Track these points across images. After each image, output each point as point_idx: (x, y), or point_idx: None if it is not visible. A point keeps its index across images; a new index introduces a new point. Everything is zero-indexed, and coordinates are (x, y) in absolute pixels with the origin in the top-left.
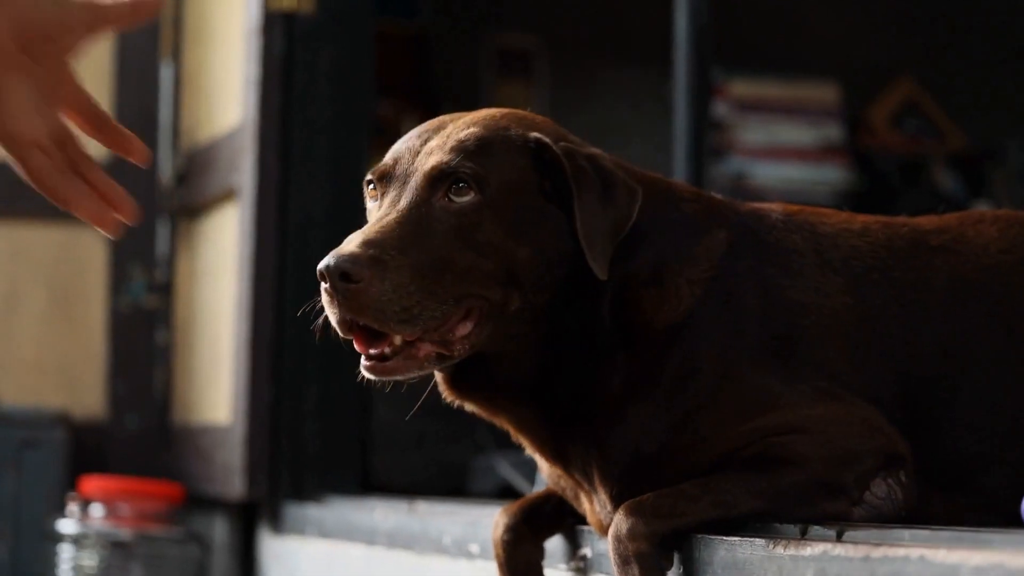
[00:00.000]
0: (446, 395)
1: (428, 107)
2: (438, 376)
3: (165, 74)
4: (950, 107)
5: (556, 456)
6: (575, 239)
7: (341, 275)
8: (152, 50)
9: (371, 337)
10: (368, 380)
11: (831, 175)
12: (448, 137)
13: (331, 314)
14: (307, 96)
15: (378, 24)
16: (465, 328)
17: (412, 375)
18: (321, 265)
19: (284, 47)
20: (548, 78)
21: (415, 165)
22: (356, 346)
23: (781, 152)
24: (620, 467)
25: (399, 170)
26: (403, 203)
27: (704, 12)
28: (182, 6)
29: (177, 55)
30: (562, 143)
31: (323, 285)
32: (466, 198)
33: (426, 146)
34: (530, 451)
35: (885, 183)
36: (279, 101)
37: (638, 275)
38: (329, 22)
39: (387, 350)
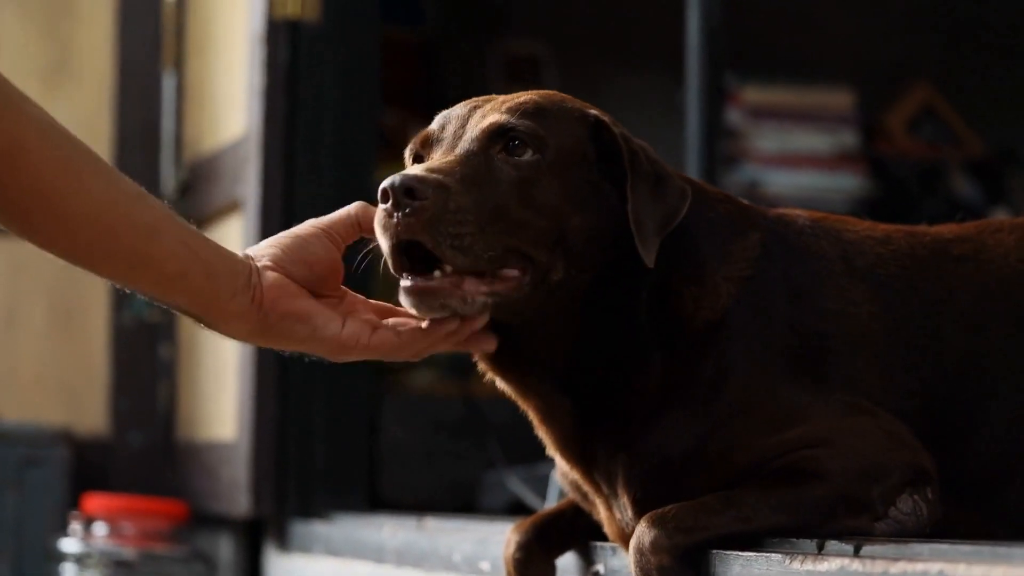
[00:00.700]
0: (481, 365)
1: (435, 116)
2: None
3: (167, 84)
4: (968, 112)
5: (579, 456)
6: (623, 223)
7: (406, 191)
8: (154, 60)
9: (418, 271)
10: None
11: (847, 183)
12: (503, 102)
13: (383, 240)
14: (312, 105)
15: (383, 31)
16: (512, 272)
17: (452, 306)
18: (386, 183)
19: (288, 56)
20: (557, 85)
21: (468, 126)
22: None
23: (795, 160)
24: (645, 471)
25: (447, 134)
26: (459, 151)
27: (716, 16)
28: (184, 15)
29: (179, 64)
30: (619, 128)
31: (381, 207)
32: (525, 156)
33: (477, 112)
34: (551, 449)
35: (902, 190)
36: (284, 111)
37: (679, 271)
38: (334, 30)
39: (419, 280)
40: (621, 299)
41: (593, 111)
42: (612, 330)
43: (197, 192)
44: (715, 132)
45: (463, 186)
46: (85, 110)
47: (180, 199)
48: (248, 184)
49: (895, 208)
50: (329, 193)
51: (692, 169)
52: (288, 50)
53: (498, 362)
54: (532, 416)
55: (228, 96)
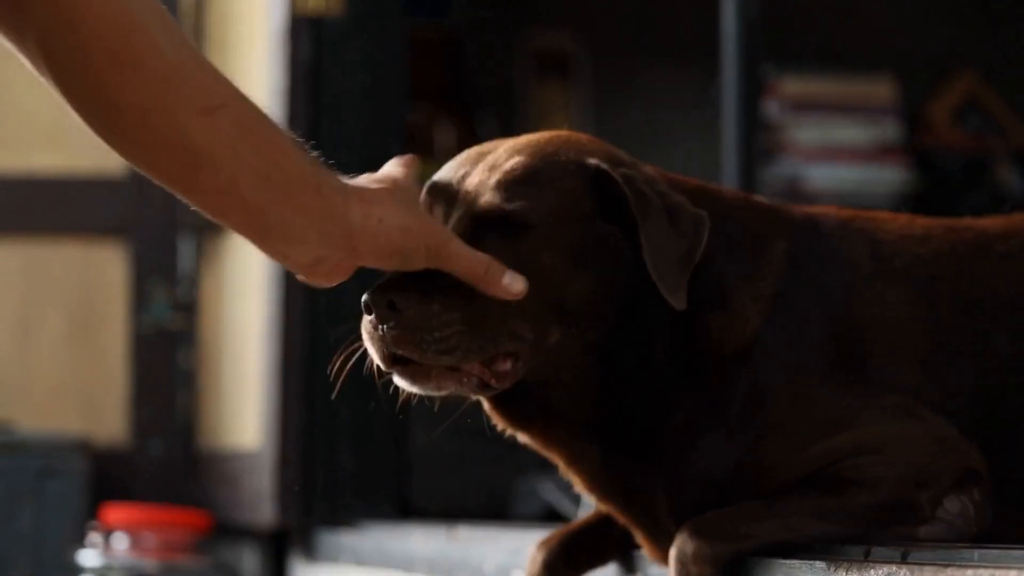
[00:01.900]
0: (497, 423)
1: (462, 113)
2: (486, 404)
3: None
4: (1014, 101)
5: (610, 494)
6: (636, 269)
7: (389, 304)
8: None
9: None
10: (403, 400)
11: (889, 176)
12: (493, 170)
13: (373, 351)
14: (336, 103)
15: (408, 26)
16: (505, 364)
17: (448, 390)
18: (366, 296)
19: (311, 53)
20: (588, 79)
21: (458, 200)
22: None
23: (836, 153)
24: (690, 499)
25: (443, 200)
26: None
27: (753, 6)
28: (203, 11)
29: None
30: (621, 169)
31: (366, 319)
32: (517, 237)
33: (468, 178)
34: (581, 489)
35: (946, 183)
36: (307, 109)
37: (698, 298)
38: (358, 25)
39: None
40: (642, 341)
41: (592, 160)
42: (636, 373)
43: None
44: (753, 126)
45: (448, 286)
46: None
47: None
48: None
49: (939, 201)
50: None
51: (729, 164)
52: (311, 47)
53: (517, 416)
54: (558, 463)
55: (249, 94)
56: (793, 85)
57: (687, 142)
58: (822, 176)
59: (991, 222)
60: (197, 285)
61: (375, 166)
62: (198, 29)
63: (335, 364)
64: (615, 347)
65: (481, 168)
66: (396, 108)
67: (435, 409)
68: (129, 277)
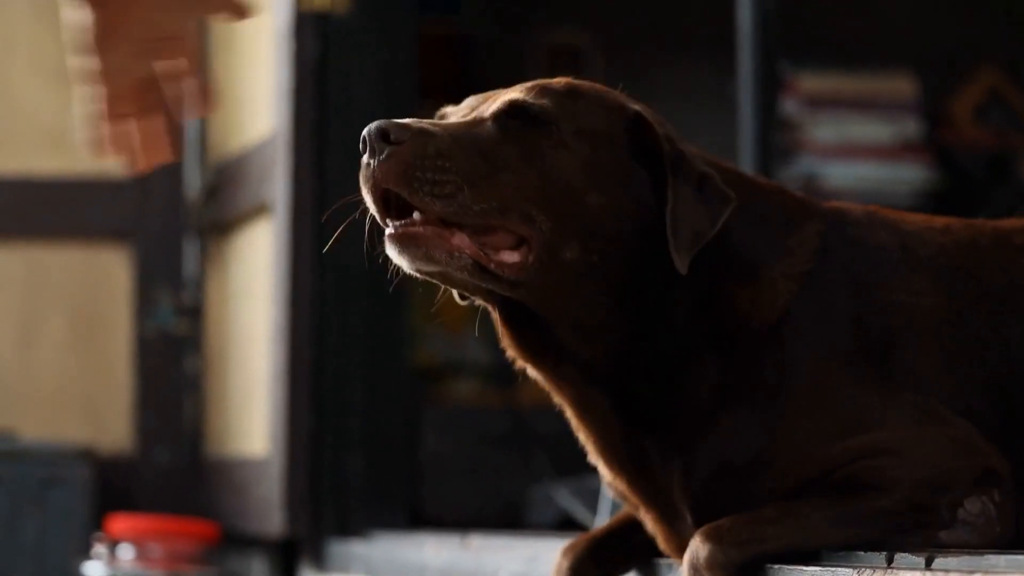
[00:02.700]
0: (507, 348)
1: None
2: (499, 325)
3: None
4: None
5: (622, 461)
6: (657, 220)
7: (382, 134)
8: None
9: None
10: (397, 280)
11: (910, 174)
12: (533, 83)
13: (366, 194)
14: (344, 103)
15: (418, 23)
16: (511, 257)
17: (439, 260)
18: (365, 130)
19: (318, 50)
20: (601, 76)
21: (487, 104)
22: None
23: (855, 151)
24: (703, 479)
25: (468, 107)
26: (468, 118)
27: (769, 1)
28: None
29: (202, 61)
30: (664, 128)
31: (364, 159)
32: (539, 129)
33: (503, 93)
34: (593, 454)
35: (969, 181)
36: (314, 109)
37: (728, 270)
38: (367, 22)
39: (416, 215)
40: (662, 295)
41: (635, 106)
42: (654, 327)
43: (223, 195)
44: (769, 123)
45: (452, 138)
46: None
47: (205, 203)
48: (277, 187)
49: (962, 200)
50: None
51: (746, 163)
52: (318, 44)
53: (529, 343)
54: (568, 411)
55: (254, 94)
56: (811, 82)
57: (702, 140)
58: (840, 175)
59: (1007, 221)
60: (203, 289)
61: None
62: (201, 27)
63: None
64: (636, 296)
65: (519, 85)
66: (406, 107)
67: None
68: (133, 281)
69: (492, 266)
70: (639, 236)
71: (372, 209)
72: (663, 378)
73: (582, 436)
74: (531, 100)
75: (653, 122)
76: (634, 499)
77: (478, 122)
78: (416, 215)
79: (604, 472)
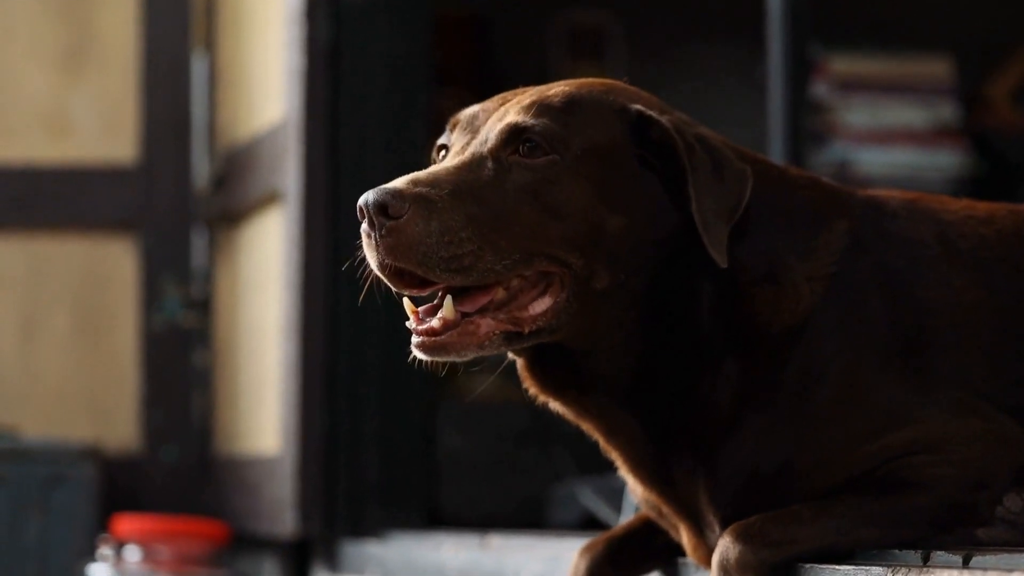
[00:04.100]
0: (529, 388)
1: (491, 96)
2: (520, 366)
3: (198, 67)
4: None
5: (653, 475)
6: (674, 222)
7: (380, 208)
8: (183, 40)
9: (418, 285)
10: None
11: (946, 160)
12: (529, 96)
13: (371, 258)
14: (357, 87)
15: (433, 5)
16: (542, 304)
17: (470, 354)
18: (361, 200)
19: (331, 34)
20: (624, 59)
21: (489, 123)
22: (408, 313)
23: (889, 136)
24: (733, 488)
25: (469, 128)
26: (467, 153)
27: None
28: None
29: (211, 45)
30: (669, 117)
31: (363, 226)
32: (541, 157)
33: (503, 107)
34: (623, 469)
35: (1006, 166)
36: (326, 94)
37: (748, 270)
38: (381, 4)
39: (436, 323)
40: (684, 304)
41: (636, 105)
42: (677, 338)
43: (232, 184)
44: (800, 107)
45: (454, 199)
46: (108, 97)
47: (214, 192)
48: (288, 175)
49: (999, 186)
50: (377, 183)
51: (775, 148)
52: (330, 27)
53: (551, 381)
54: (596, 436)
55: (265, 79)
56: (843, 64)
57: (730, 125)
58: (874, 160)
59: None
60: (211, 281)
61: (398, 154)
62: (211, 10)
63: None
64: (658, 305)
65: (520, 97)
66: (421, 92)
67: (458, 371)
68: (139, 273)
69: (526, 330)
70: (658, 245)
71: (385, 281)
72: (685, 387)
73: (612, 456)
74: (530, 122)
75: (658, 118)
76: (667, 512)
77: (477, 162)
78: (436, 323)
79: (636, 488)
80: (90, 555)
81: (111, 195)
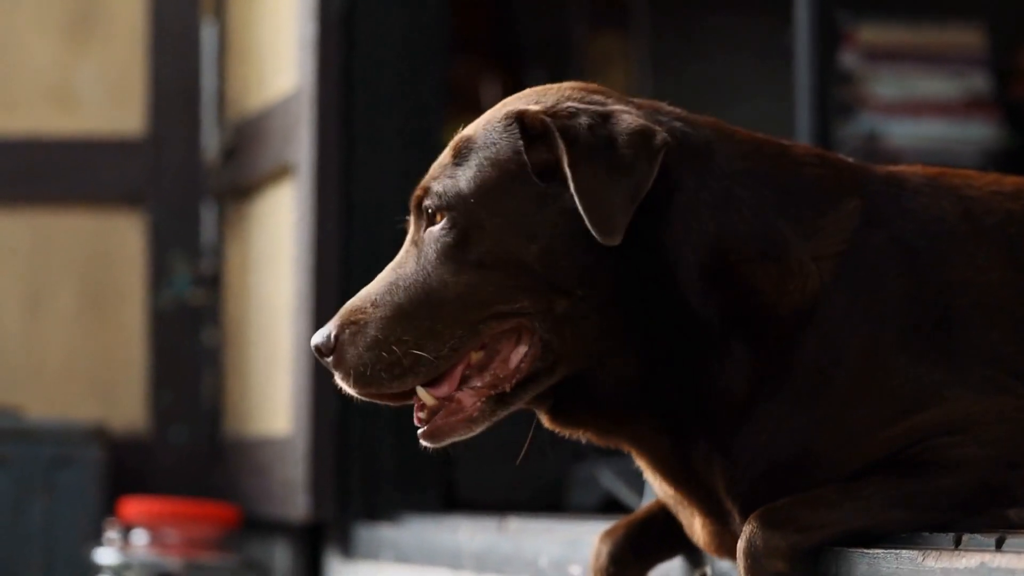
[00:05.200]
0: (551, 428)
1: (510, 66)
2: (546, 422)
3: (208, 35)
4: None
5: (674, 469)
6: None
7: (318, 351)
8: (192, 8)
9: (398, 396)
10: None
11: (978, 132)
12: (445, 151)
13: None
14: (372, 56)
15: None
16: (518, 354)
17: (468, 431)
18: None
19: (344, 1)
20: (648, 28)
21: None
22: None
23: (919, 107)
24: (750, 475)
25: (416, 208)
26: (406, 241)
27: None
28: None
29: (221, 13)
30: (565, 109)
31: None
32: (441, 223)
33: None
34: (646, 471)
35: None
36: (339, 63)
37: (739, 248)
38: None
39: (423, 414)
40: (663, 292)
41: (515, 108)
42: (668, 327)
43: (243, 156)
44: (828, 78)
45: (378, 304)
46: (115, 67)
47: (224, 164)
48: (300, 146)
49: None
50: (392, 155)
51: (802, 120)
52: None
53: (566, 416)
54: (625, 449)
55: (276, 47)
56: (872, 33)
57: (756, 97)
58: (904, 132)
59: None
60: (221, 257)
61: (414, 125)
62: None
63: None
64: (639, 303)
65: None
66: (437, 61)
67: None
68: (147, 249)
69: (508, 387)
70: (595, 250)
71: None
72: (692, 374)
73: (637, 460)
74: (426, 187)
75: (535, 112)
76: (690, 507)
77: (405, 253)
78: (420, 414)
79: (659, 488)
80: (96, 539)
81: (118, 168)
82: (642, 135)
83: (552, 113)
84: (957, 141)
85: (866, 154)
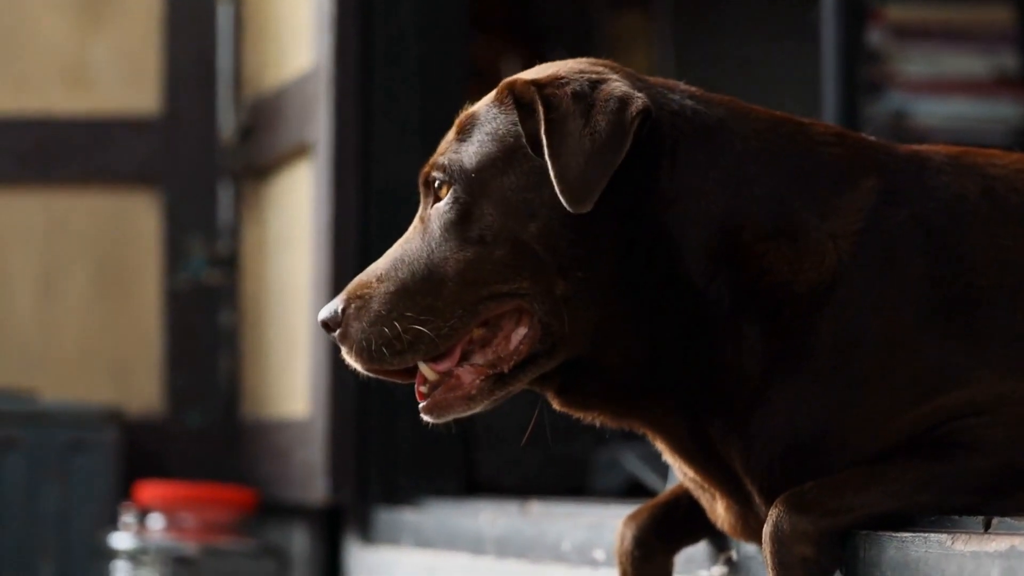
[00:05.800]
0: (560, 410)
1: (531, 45)
2: (556, 405)
3: (224, 13)
4: None
5: (697, 458)
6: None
7: (325, 326)
8: None
9: (402, 373)
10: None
11: (1007, 111)
12: (452, 127)
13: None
14: (390, 34)
15: None
16: (518, 335)
17: (467, 408)
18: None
19: None
20: (670, 6)
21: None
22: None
23: (948, 85)
24: (768, 456)
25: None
26: (416, 217)
27: None
28: None
29: None
30: (554, 76)
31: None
32: (446, 194)
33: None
34: (667, 455)
35: None
36: (357, 41)
37: (750, 228)
38: None
39: (424, 388)
40: (669, 270)
41: (515, 77)
42: (677, 306)
43: (260, 135)
44: (855, 56)
45: (383, 279)
46: (130, 45)
47: (240, 144)
48: (318, 125)
49: None
50: (411, 135)
51: (829, 98)
52: None
53: (578, 398)
54: (640, 431)
55: (293, 25)
56: (899, 10)
57: (781, 76)
58: (932, 112)
59: None
60: (238, 237)
61: (433, 103)
62: None
63: None
64: (644, 283)
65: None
66: (456, 40)
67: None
68: (162, 229)
69: (507, 368)
70: (602, 223)
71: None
72: (704, 354)
73: (655, 444)
74: (432, 161)
75: (525, 80)
76: (711, 490)
77: (412, 229)
78: (421, 387)
79: (680, 471)
80: (112, 523)
81: (133, 148)
82: (619, 101)
83: (542, 82)
84: (986, 120)
85: (893, 133)
